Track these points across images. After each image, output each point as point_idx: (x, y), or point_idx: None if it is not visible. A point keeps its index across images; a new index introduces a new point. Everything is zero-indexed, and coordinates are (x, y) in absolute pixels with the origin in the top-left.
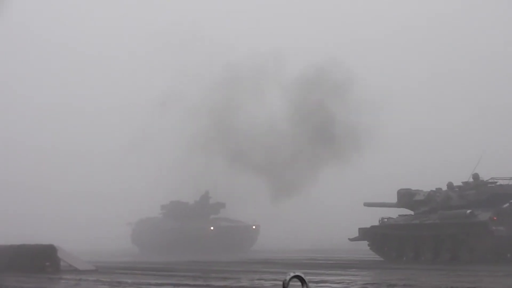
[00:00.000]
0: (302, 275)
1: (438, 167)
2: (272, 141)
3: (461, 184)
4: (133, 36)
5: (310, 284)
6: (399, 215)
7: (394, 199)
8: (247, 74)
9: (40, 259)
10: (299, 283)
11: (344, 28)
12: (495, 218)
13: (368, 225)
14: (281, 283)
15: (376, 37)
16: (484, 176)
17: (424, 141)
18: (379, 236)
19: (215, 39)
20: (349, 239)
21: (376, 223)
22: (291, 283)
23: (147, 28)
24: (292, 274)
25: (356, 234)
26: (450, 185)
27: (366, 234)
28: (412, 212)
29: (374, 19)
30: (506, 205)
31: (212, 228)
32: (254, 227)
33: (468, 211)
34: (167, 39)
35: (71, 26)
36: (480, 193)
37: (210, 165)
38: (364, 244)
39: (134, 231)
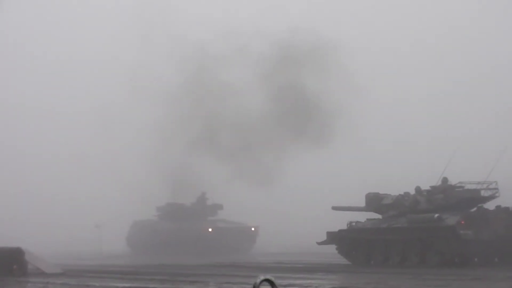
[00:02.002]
0: (272, 279)
1: (406, 171)
2: (245, 124)
3: (429, 188)
4: (100, 12)
5: None
6: (367, 219)
7: (362, 203)
8: (221, 53)
9: (7, 262)
10: (269, 287)
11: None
12: (462, 222)
13: (336, 229)
14: (249, 286)
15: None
16: (453, 180)
17: (392, 144)
18: (347, 240)
19: (185, 16)
20: (317, 243)
21: (344, 227)
22: (261, 286)
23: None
24: (262, 278)
25: (324, 237)
26: (418, 189)
27: (334, 238)
28: (380, 216)
29: None
30: (474, 209)
31: (210, 229)
32: (253, 228)
33: (436, 215)
34: (135, 16)
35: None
36: (448, 197)
37: (183, 154)
38: (332, 248)
39: (129, 233)
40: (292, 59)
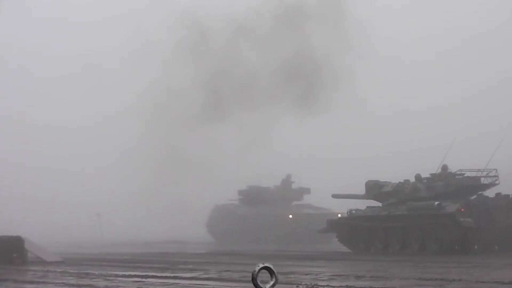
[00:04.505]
0: (271, 266)
1: (406, 159)
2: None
3: (429, 175)
4: None
5: (278, 276)
6: (367, 207)
7: (362, 191)
8: (217, 13)
9: (7, 251)
10: (268, 275)
11: None
12: (462, 209)
13: (336, 217)
14: (249, 274)
15: None
16: (453, 167)
17: (392, 131)
18: (347, 228)
19: None
20: (317, 230)
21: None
22: (259, 274)
23: None
24: (261, 265)
25: (324, 225)
26: (418, 177)
27: (334, 225)
28: (380, 204)
29: None
30: (474, 196)
31: (290, 216)
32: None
33: (436, 202)
34: None
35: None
36: (448, 185)
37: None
38: (332, 236)
39: (209, 219)
40: (296, 16)
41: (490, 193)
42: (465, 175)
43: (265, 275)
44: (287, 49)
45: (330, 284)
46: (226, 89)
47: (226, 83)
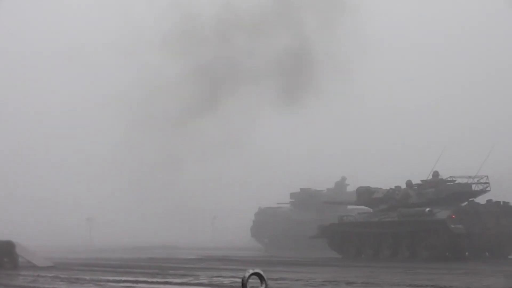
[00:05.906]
0: (261, 272)
1: (397, 165)
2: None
3: (420, 182)
4: None
5: (268, 282)
6: (358, 213)
7: (353, 197)
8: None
9: None
10: (258, 281)
11: None
12: (453, 216)
13: (327, 223)
14: (239, 280)
15: None
16: (444, 174)
17: (382, 138)
18: (338, 234)
19: None
20: (308, 236)
21: (335, 220)
22: (249, 280)
23: None
24: (251, 271)
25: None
26: (409, 183)
27: (325, 231)
28: (371, 210)
29: None
30: (465, 203)
31: None
32: None
33: (427, 209)
34: None
35: None
36: (439, 191)
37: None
38: (323, 242)
39: (254, 223)
40: (291, 6)
41: (481, 199)
42: (456, 181)
43: (255, 281)
44: (278, 42)
45: None
46: (217, 80)
47: (218, 74)
